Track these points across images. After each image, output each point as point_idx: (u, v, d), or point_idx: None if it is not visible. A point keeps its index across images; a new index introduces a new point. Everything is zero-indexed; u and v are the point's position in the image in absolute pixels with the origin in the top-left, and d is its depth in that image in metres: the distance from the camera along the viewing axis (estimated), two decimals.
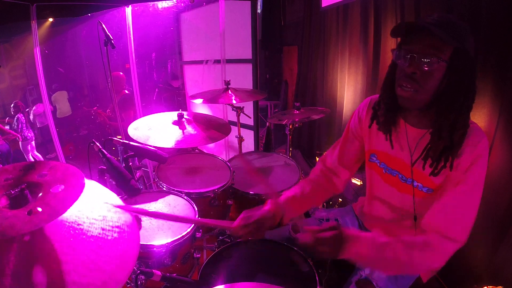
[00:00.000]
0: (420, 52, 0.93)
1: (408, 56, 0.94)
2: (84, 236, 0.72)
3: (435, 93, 0.96)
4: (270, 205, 1.11)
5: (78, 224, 0.74)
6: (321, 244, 0.92)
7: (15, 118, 4.83)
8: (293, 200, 1.20)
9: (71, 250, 0.68)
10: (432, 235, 0.95)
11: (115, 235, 0.76)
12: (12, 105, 4.87)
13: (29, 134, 4.98)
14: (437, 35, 0.90)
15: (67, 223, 0.73)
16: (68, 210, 0.67)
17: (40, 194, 0.71)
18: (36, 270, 0.63)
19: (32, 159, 5.07)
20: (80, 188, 0.71)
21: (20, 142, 4.90)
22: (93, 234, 0.73)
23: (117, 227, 0.78)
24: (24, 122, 4.89)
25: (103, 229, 0.76)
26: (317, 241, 0.92)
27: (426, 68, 0.92)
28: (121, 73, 3.90)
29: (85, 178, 0.75)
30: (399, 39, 1.03)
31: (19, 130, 4.85)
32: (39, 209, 0.66)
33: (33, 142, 5.08)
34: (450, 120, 0.95)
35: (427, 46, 0.92)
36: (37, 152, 5.17)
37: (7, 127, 4.91)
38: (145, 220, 1.27)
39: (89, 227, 0.74)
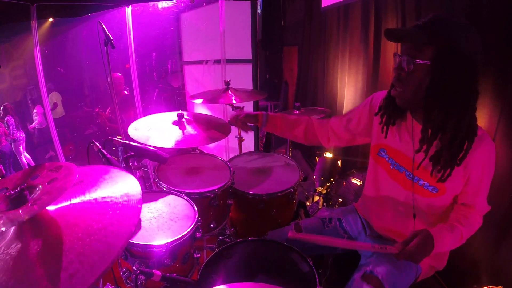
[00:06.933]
0: (403, 53, 0.99)
1: (396, 59, 1.02)
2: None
3: (421, 92, 0.99)
4: (259, 112, 1.45)
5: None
6: (415, 253, 0.95)
7: (5, 120, 4.84)
8: (279, 116, 1.46)
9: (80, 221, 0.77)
10: (468, 209, 1.08)
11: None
12: (1, 108, 4.87)
13: (20, 135, 5.00)
14: (409, 36, 0.97)
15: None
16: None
17: (38, 189, 0.77)
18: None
19: (24, 160, 5.11)
20: (74, 173, 0.79)
21: (12, 144, 4.92)
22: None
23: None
24: (13, 124, 4.91)
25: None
26: (410, 253, 0.95)
27: (408, 69, 0.98)
28: (119, 74, 3.89)
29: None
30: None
31: (10, 132, 4.87)
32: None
33: (24, 144, 5.10)
34: (437, 120, 0.97)
35: (408, 47, 0.98)
36: (27, 153, 5.18)
37: None
38: (145, 220, 1.27)
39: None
